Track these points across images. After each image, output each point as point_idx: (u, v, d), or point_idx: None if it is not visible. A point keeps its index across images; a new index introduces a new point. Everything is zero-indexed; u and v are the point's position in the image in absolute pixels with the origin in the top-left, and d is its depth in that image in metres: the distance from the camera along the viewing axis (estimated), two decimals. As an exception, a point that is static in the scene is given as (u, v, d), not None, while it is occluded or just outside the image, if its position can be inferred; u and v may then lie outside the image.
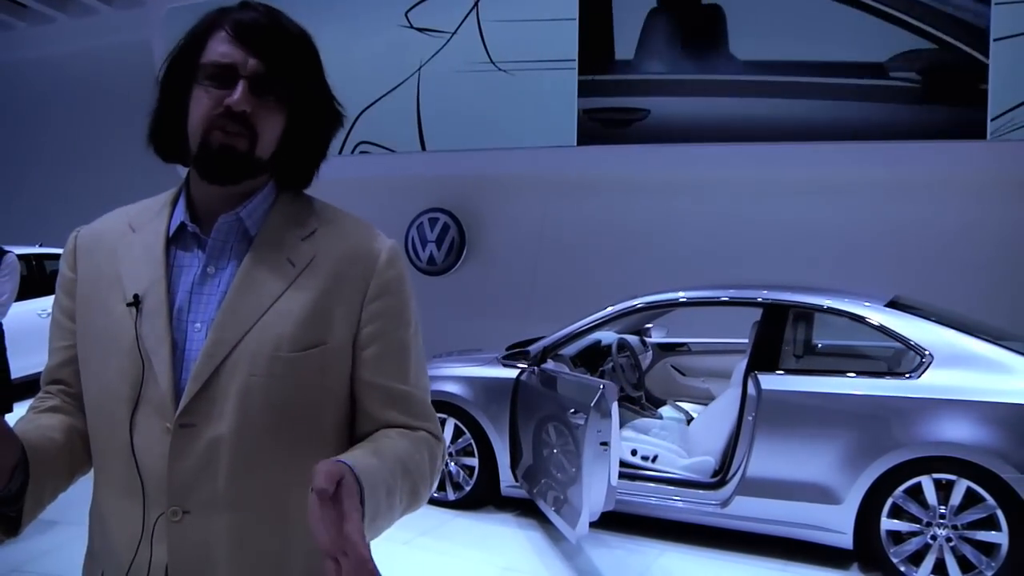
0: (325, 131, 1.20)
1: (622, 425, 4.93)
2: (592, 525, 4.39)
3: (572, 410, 3.72)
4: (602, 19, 7.11)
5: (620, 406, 5.19)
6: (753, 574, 4.02)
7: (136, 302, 1.12)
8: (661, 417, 5.32)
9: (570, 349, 4.89)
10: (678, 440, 4.73)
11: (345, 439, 1.17)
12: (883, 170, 6.22)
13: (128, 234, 1.19)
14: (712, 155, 6.63)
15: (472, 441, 4.80)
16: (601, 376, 5.04)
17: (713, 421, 4.49)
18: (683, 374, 5.97)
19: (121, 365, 1.11)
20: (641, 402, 5.43)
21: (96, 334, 1.15)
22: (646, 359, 5.87)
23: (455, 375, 4.93)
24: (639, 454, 4.65)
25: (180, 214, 1.17)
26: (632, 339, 5.79)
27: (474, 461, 4.82)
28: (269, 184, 1.19)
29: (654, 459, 4.60)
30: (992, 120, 5.93)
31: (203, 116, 1.10)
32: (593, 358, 5.12)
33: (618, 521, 4.49)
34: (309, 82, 1.16)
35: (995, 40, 5.97)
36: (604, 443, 3.48)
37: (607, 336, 5.28)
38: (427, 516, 4.71)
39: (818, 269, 5.97)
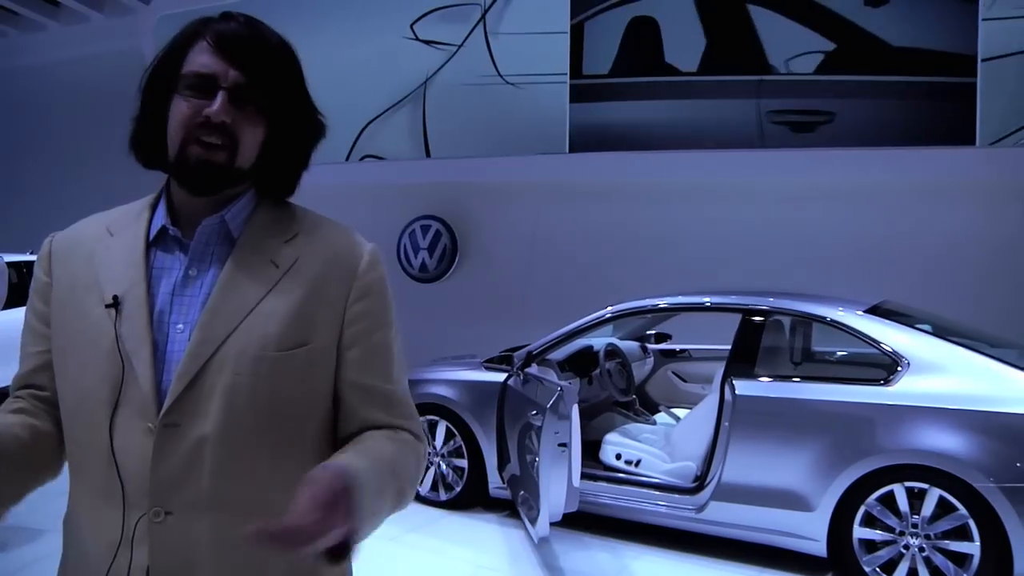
0: (306, 141, 1.21)
1: (612, 429, 4.99)
2: (572, 527, 4.50)
3: (533, 412, 3.79)
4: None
5: (612, 411, 5.26)
6: (728, 579, 4.02)
7: (115, 303, 1.11)
8: (655, 423, 5.33)
9: (558, 354, 4.95)
10: (665, 445, 4.74)
11: (329, 440, 1.18)
12: (878, 176, 6.12)
13: (106, 238, 1.19)
14: (705, 161, 6.62)
15: (462, 443, 4.90)
16: (590, 381, 5.10)
17: (694, 427, 4.49)
18: (684, 380, 5.96)
19: (100, 367, 1.10)
20: (635, 407, 5.46)
21: (73, 337, 1.14)
22: (646, 365, 5.89)
23: (447, 379, 5.03)
24: (623, 458, 4.69)
25: (161, 218, 1.18)
26: (631, 345, 5.82)
27: (464, 463, 4.91)
28: (251, 192, 1.20)
29: (637, 463, 4.63)
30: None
31: (182, 125, 1.11)
32: (584, 363, 5.16)
33: (598, 524, 4.54)
34: (289, 93, 1.16)
35: (983, 60, 5.80)
36: (562, 444, 3.54)
37: (599, 342, 5.32)
38: (418, 514, 4.84)
39: (813, 274, 5.90)
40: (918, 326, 4.12)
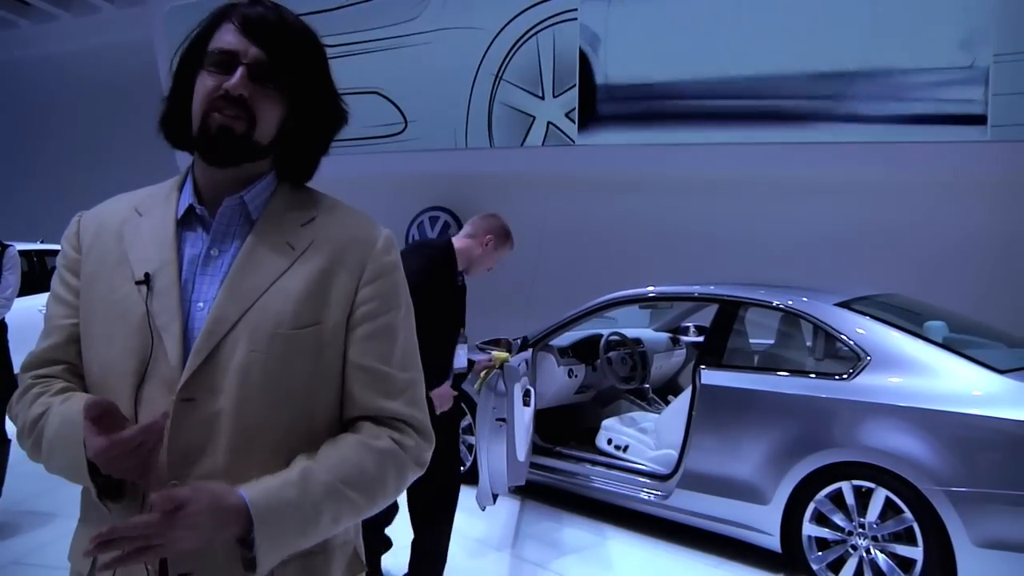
0: (326, 126, 1.25)
1: (615, 415, 5.11)
2: (561, 506, 4.70)
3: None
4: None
5: (623, 399, 5.37)
6: (684, 566, 4.03)
7: (147, 280, 1.15)
8: (667, 413, 5.35)
9: (563, 340, 5.11)
10: (655, 433, 4.79)
11: (337, 420, 1.20)
12: (885, 170, 5.73)
13: (134, 218, 1.23)
14: (714, 154, 6.45)
15: (472, 421, 5.19)
16: (593, 369, 5.22)
17: (676, 415, 4.49)
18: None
19: (129, 341, 1.13)
20: (648, 396, 5.51)
21: (101, 312, 1.17)
22: (674, 356, 5.89)
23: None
24: (613, 443, 4.81)
25: (188, 197, 1.22)
26: (658, 336, 5.87)
27: (473, 439, 5.19)
28: (272, 172, 1.24)
29: (625, 449, 4.73)
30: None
31: (204, 98, 1.15)
32: (590, 351, 5.28)
33: (588, 505, 4.70)
34: (310, 76, 1.21)
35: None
36: (500, 419, 3.75)
37: (608, 331, 5.42)
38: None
39: (822, 267, 5.67)
40: (927, 323, 3.94)
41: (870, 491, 3.52)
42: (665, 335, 5.94)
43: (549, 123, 7.60)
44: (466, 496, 4.95)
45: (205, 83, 1.15)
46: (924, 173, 5.72)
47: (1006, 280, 5.35)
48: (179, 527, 0.97)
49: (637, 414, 5.16)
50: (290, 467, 1.11)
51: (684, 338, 6.04)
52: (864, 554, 3.53)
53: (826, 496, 3.65)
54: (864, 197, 6.12)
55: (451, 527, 3.38)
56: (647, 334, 5.86)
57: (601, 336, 5.35)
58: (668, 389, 5.85)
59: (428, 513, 3.30)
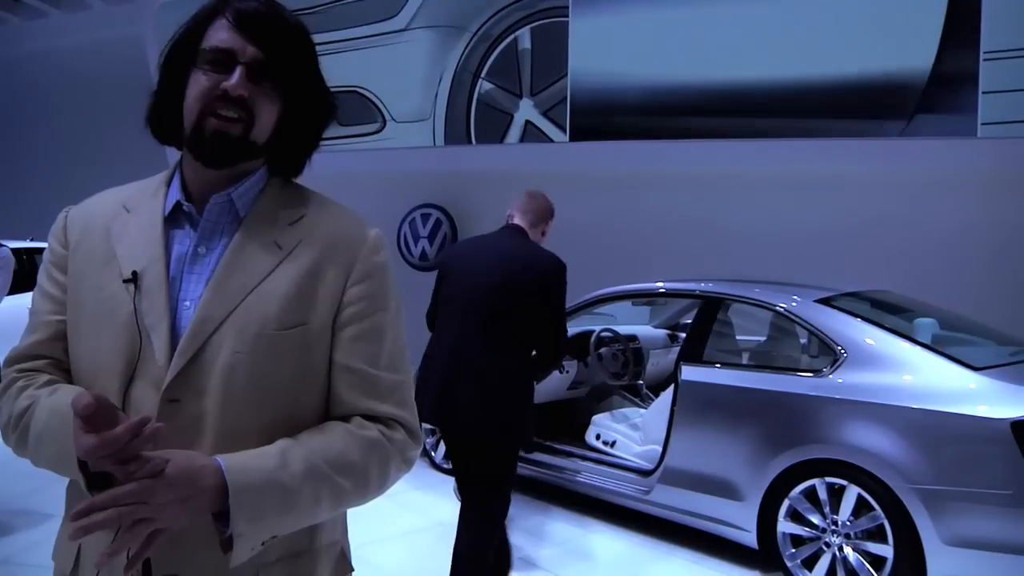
0: (319, 122, 1.23)
1: (607, 410, 5.15)
2: (549, 500, 4.75)
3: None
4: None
5: (616, 395, 5.40)
6: (665, 561, 4.06)
7: (134, 279, 1.13)
8: (659, 409, 5.37)
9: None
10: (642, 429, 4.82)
11: (323, 421, 1.18)
12: (878, 167, 5.67)
13: (122, 214, 1.20)
14: (706, 151, 6.41)
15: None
16: (585, 365, 5.26)
17: (661, 412, 4.52)
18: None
19: (117, 340, 1.11)
20: (642, 392, 5.54)
21: (89, 310, 1.15)
22: (671, 354, 5.89)
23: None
24: (601, 439, 4.85)
25: (175, 193, 1.20)
26: (655, 333, 5.90)
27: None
28: (262, 169, 1.22)
29: (613, 444, 4.77)
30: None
31: (200, 98, 1.12)
32: (582, 347, 5.32)
33: (564, 497, 4.76)
34: (304, 73, 1.19)
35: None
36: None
37: (600, 328, 5.45)
38: (426, 479, 5.20)
39: (813, 264, 5.61)
40: (917, 321, 3.94)
41: (843, 488, 3.52)
42: (663, 332, 5.97)
43: (527, 121, 7.62)
44: (445, 484, 5.08)
45: (200, 82, 1.12)
46: (918, 170, 5.67)
47: (998, 278, 5.29)
48: (159, 490, 0.94)
49: (629, 410, 5.18)
50: (258, 449, 1.08)
51: (683, 335, 6.04)
52: (837, 552, 3.53)
53: (800, 493, 3.65)
54: (862, 194, 6.05)
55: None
56: (644, 331, 5.89)
57: (592, 332, 5.39)
58: (665, 386, 5.86)
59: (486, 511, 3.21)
